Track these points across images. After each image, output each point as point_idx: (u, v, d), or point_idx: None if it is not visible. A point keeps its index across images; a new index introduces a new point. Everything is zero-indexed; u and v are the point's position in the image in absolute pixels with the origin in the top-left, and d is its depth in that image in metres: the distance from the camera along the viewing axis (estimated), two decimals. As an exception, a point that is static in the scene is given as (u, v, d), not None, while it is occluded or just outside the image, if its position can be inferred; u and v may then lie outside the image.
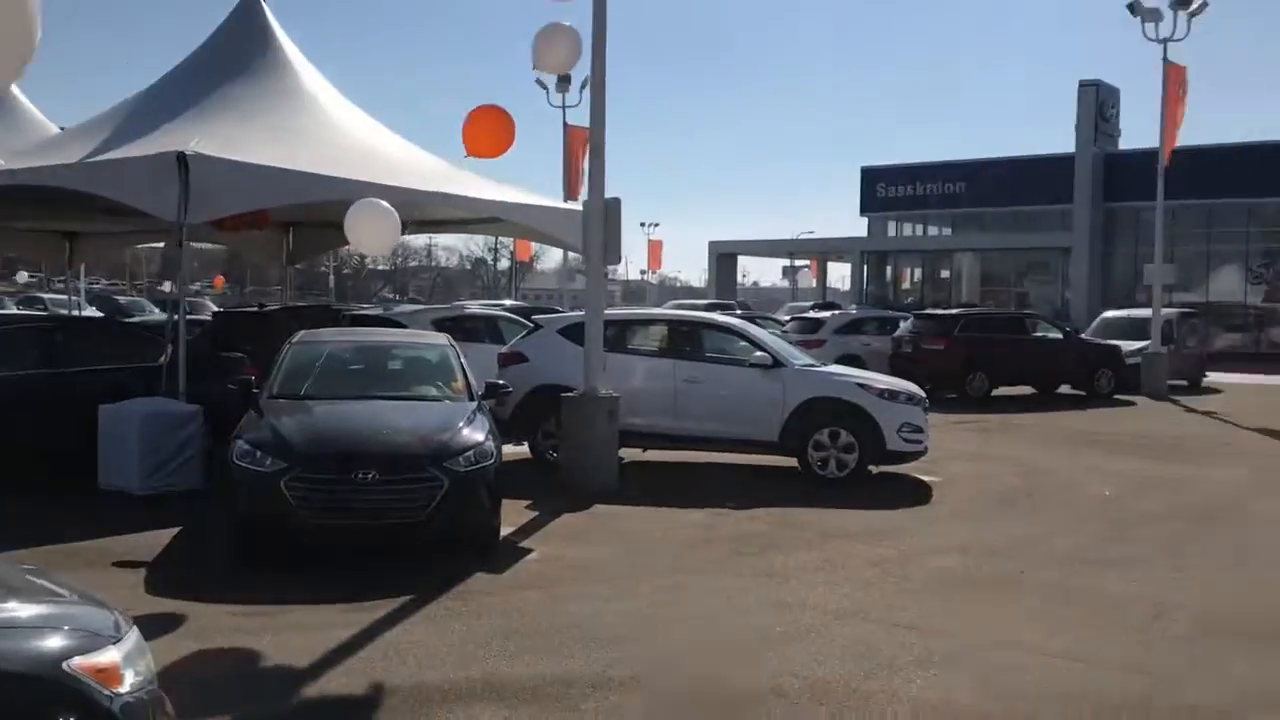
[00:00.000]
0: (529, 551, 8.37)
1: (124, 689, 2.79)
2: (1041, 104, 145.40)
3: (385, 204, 9.54)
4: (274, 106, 13.47)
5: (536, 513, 9.63)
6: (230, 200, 10.88)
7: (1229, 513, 10.74)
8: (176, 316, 10.86)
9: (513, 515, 9.08)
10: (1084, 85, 41.88)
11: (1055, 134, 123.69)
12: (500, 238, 68.46)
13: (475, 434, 8.12)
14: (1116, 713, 5.31)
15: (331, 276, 48.18)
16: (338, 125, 13.86)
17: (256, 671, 5.65)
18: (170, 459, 9.95)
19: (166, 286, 59.21)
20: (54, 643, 2.72)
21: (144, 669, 2.93)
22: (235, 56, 13.96)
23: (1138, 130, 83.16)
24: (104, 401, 10.12)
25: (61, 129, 16.54)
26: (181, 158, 10.19)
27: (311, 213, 16.04)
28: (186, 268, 12.40)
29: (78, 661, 2.70)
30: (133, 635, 3.00)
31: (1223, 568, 8.44)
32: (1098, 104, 41.63)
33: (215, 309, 27.12)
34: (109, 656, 2.81)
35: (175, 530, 8.66)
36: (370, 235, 9.57)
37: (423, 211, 13.57)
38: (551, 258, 77.79)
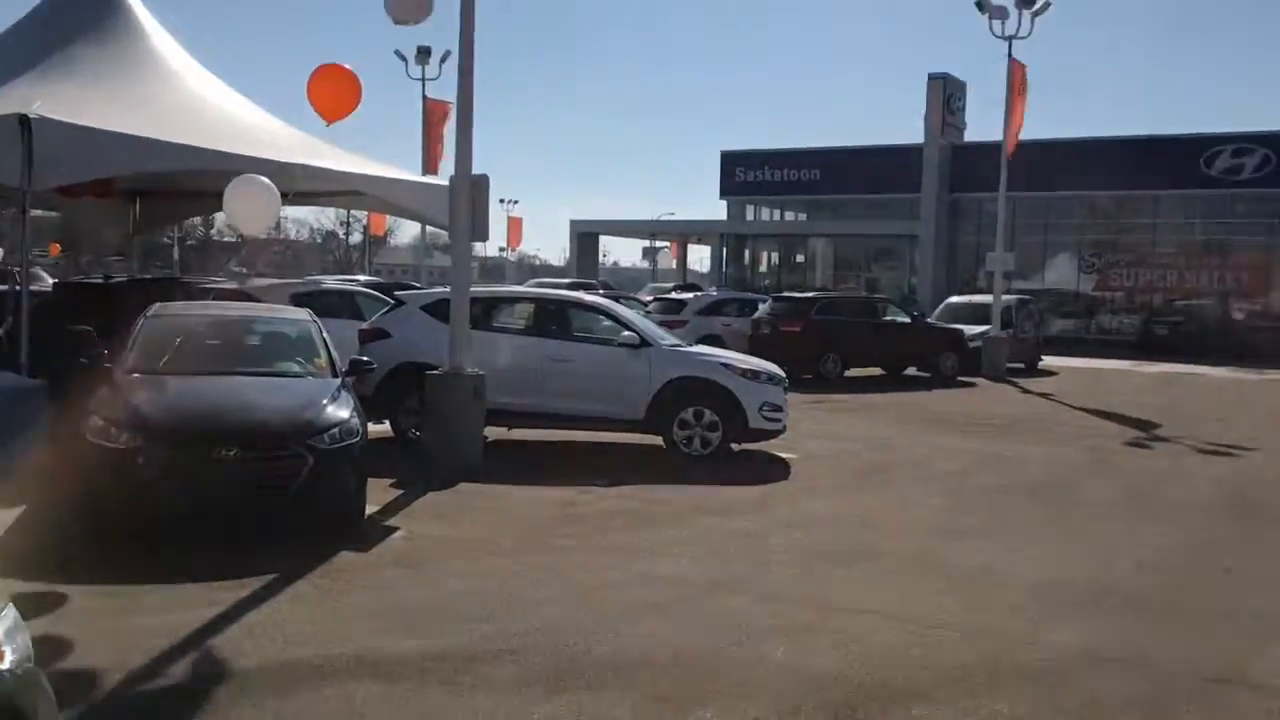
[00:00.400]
0: (395, 530, 8.32)
1: (4, 666, 2.72)
2: (896, 95, 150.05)
3: (265, 180, 9.27)
4: (121, 70, 12.88)
5: (401, 491, 9.57)
6: (77, 167, 10.36)
7: (1061, 488, 11.41)
8: (17, 286, 10.33)
9: (377, 494, 8.99)
10: (933, 78, 43.38)
11: (907, 125, 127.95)
12: (352, 211, 66.99)
13: (340, 411, 8.02)
14: (963, 673, 5.64)
15: (176, 248, 46.26)
16: (192, 92, 13.35)
17: (116, 654, 5.47)
18: (10, 436, 9.46)
19: (-4, 254, 55.88)
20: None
21: (22, 645, 2.86)
22: (78, 16, 13.28)
23: (982, 124, 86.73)
24: (-63, 375, 9.57)
25: None
26: (24, 120, 9.68)
27: (159, 182, 15.43)
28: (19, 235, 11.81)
29: (-43, 637, 2.62)
30: (9, 611, 2.92)
31: (1055, 539, 8.98)
32: (945, 96, 43.18)
33: (49, 279, 25.77)
34: (-13, 633, 2.73)
35: (19, 510, 8.29)
36: (250, 213, 9.29)
37: (281, 183, 13.19)
38: (406, 232, 76.41)
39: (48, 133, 9.81)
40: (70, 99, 10.97)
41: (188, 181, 14.68)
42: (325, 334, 9.24)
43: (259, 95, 14.68)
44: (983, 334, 24.82)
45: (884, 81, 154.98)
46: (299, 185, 11.59)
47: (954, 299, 29.20)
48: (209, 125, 12.25)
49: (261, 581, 6.71)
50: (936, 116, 42.91)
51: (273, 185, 10.29)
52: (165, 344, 8.64)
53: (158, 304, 9.52)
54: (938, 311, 27.87)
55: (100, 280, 15.76)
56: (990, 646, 6.08)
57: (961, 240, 43.25)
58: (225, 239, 71.96)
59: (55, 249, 53.16)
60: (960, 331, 24.08)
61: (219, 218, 55.73)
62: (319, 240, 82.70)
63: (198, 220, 56.00)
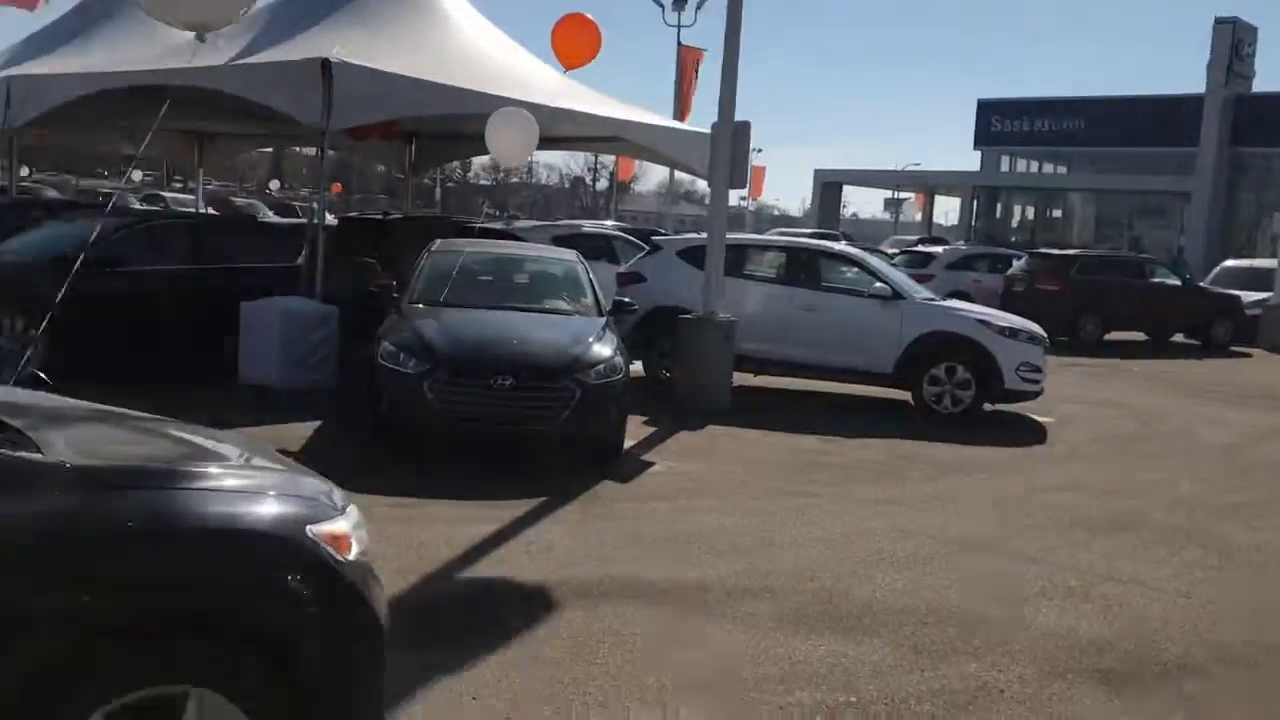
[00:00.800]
0: (651, 464, 8.63)
1: (351, 557, 3.06)
2: (1167, 41, 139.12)
3: (526, 114, 9.72)
4: (404, 17, 13.63)
5: (654, 429, 9.87)
6: (369, 109, 11.16)
7: (1354, 471, 10.53)
8: (315, 220, 11.25)
9: (631, 430, 9.29)
10: (1220, 22, 40.03)
11: (1178, 73, 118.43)
12: (600, 157, 68.46)
13: (604, 349, 8.38)
14: (1242, 652, 5.38)
15: (438, 189, 48.73)
16: (468, 37, 14.01)
17: (406, 560, 5.97)
18: (307, 356, 10.38)
19: (273, 185, 60.54)
20: (298, 509, 2.99)
21: (364, 538, 3.20)
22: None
23: (1265, 73, 79.03)
24: (245, 298, 10.57)
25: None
26: (326, 65, 10.48)
27: (434, 124, 16.32)
28: (297, 174, 12.79)
29: (316, 528, 2.96)
30: (353, 508, 3.27)
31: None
32: (1233, 42, 39.79)
33: (329, 216, 27.75)
34: (340, 525, 3.07)
35: (316, 424, 9.09)
36: (510, 144, 9.78)
37: (546, 127, 13.74)
38: (651, 179, 77.41)
39: (345, 76, 10.59)
40: (360, 44, 11.73)
41: (459, 124, 15.48)
42: (592, 274, 9.61)
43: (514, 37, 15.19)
44: (1262, 301, 22.93)
45: (1156, 24, 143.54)
46: (553, 130, 11.99)
47: (1230, 262, 27.06)
48: (483, 70, 12.84)
49: (532, 504, 7.13)
50: (1221, 64, 39.63)
51: (532, 118, 10.69)
52: (446, 277, 9.20)
53: (440, 240, 10.14)
54: (1213, 275, 25.93)
55: (380, 217, 16.87)
56: (1272, 627, 5.75)
57: (1241, 199, 39.97)
58: (480, 181, 75.10)
59: (337, 187, 57.03)
60: (1237, 298, 22.34)
61: (476, 161, 58.23)
62: (567, 185, 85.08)
63: (456, 162, 58.64)
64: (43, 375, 3.24)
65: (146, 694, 2.60)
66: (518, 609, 5.33)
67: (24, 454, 2.59)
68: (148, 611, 2.64)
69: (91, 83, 12.72)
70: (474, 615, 5.22)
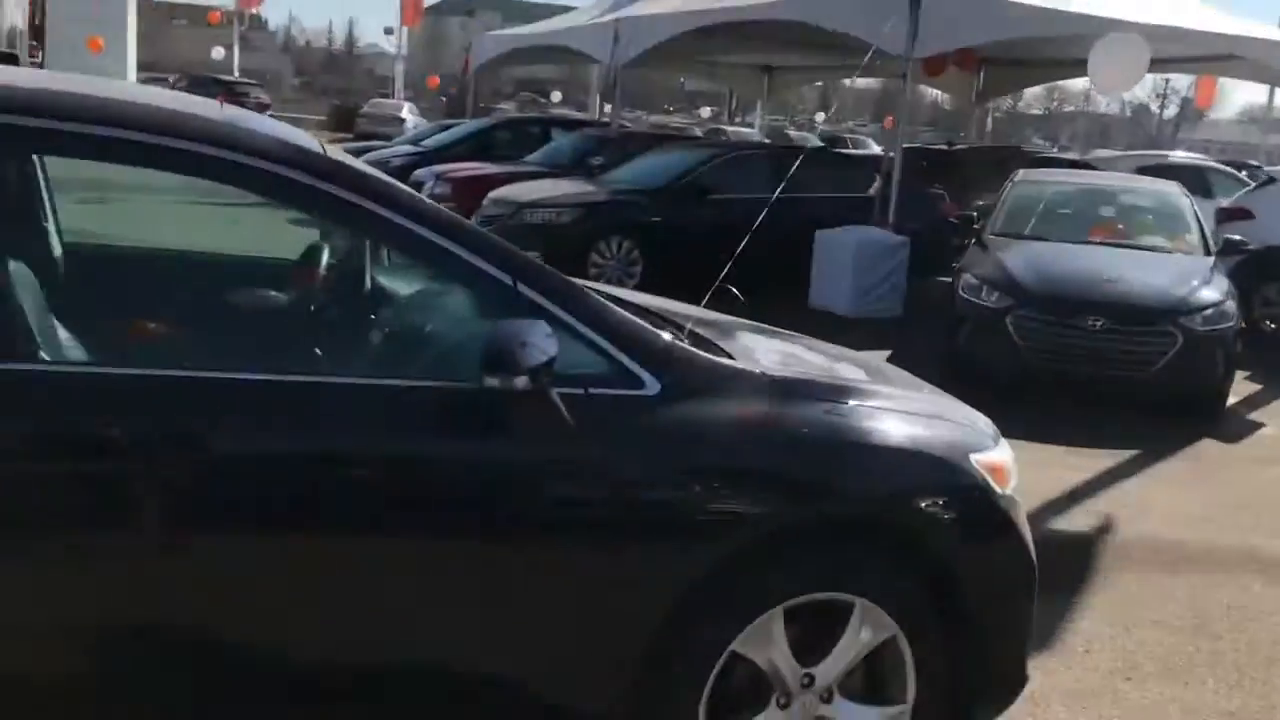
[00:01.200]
0: (1261, 425, 7.69)
1: (1007, 490, 2.99)
2: None
3: (1138, 37, 8.91)
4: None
5: (1259, 387, 8.77)
6: (955, 34, 10.78)
7: None
8: (890, 152, 11.26)
9: (1234, 386, 8.34)
10: None
11: None
12: (1171, 81, 61.95)
13: (1213, 292, 7.57)
14: None
15: (989, 119, 46.93)
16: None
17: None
18: (876, 285, 10.48)
19: (818, 117, 61.85)
20: (962, 435, 2.98)
21: (1016, 474, 3.11)
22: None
23: None
24: (820, 226, 10.87)
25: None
26: (913, -11, 10.31)
27: (1005, 50, 15.55)
28: (843, 106, 12.68)
29: (978, 456, 2.92)
30: (1004, 442, 3.18)
31: None
32: None
33: (876, 147, 27.82)
34: (998, 456, 3.01)
35: (885, 353, 9.12)
36: (1118, 71, 9.03)
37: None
38: (1228, 106, 68.83)
39: (930, 1, 10.31)
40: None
41: (1034, 49, 14.64)
42: (1198, 209, 8.69)
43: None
44: None
45: None
46: (1169, 49, 10.85)
47: None
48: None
49: (1122, 456, 6.64)
50: None
51: (1144, 41, 9.77)
52: (1031, 209, 8.78)
53: (1023, 170, 9.70)
54: None
55: (944, 147, 16.59)
56: None
57: None
58: (1031, 111, 71.29)
59: (889, 121, 57.16)
60: None
61: (1028, 92, 55.17)
62: (1128, 114, 78.13)
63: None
64: (735, 291, 3.47)
65: (820, 597, 2.71)
66: (1122, 566, 4.97)
67: (727, 361, 2.79)
68: (824, 519, 2.75)
69: (687, 21, 13.67)
70: (1075, 566, 4.94)
